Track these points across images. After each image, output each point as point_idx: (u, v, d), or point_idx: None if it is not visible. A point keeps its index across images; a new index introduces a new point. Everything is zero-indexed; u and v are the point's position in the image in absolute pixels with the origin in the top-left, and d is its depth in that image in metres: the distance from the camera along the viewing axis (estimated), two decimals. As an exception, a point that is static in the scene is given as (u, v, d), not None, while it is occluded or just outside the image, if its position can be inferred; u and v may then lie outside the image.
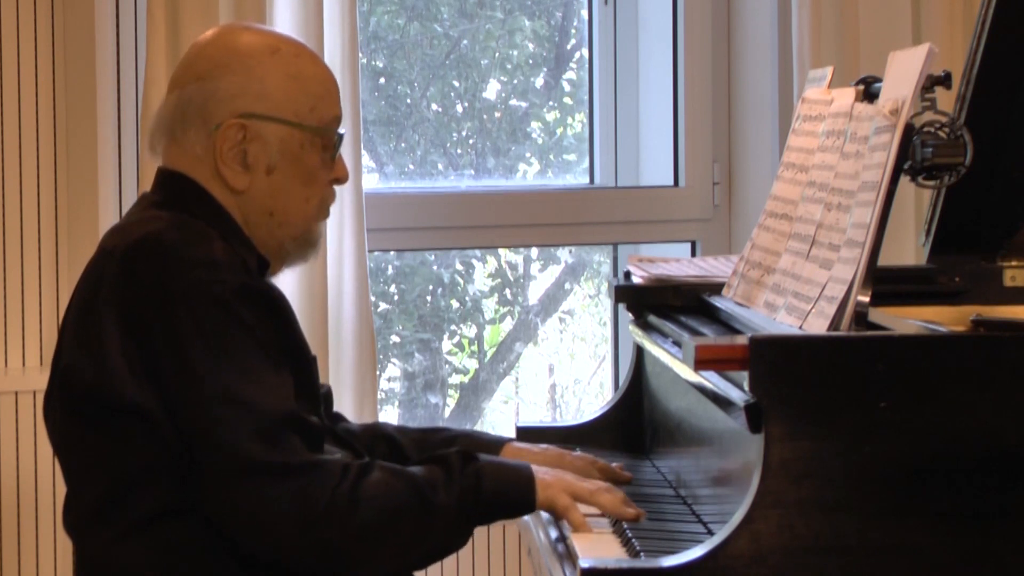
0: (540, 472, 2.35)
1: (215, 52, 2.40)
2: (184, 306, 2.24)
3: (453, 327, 4.28)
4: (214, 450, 2.22)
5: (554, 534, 2.41)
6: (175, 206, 2.37)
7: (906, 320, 2.38)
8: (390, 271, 4.19)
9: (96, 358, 2.27)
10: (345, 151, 2.57)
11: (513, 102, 4.26)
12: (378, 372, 3.72)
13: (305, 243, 2.45)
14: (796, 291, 2.32)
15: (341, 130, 2.45)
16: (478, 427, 4.24)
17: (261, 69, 2.38)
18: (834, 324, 2.17)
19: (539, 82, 4.26)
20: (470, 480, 2.29)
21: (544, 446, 2.61)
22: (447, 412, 4.24)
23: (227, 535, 2.27)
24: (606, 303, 4.31)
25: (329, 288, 3.57)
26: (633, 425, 2.86)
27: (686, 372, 2.38)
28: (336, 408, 2.71)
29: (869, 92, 2.41)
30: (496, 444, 2.59)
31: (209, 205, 2.38)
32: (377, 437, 2.63)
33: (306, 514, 2.21)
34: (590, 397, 4.33)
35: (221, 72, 2.38)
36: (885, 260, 2.27)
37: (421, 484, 2.27)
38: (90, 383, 2.28)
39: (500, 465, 2.35)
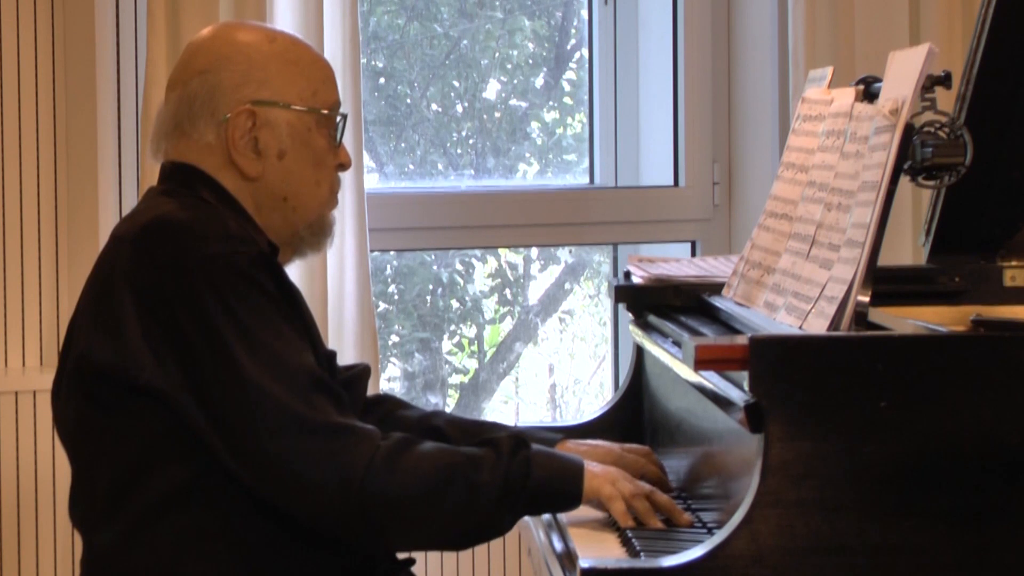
0: (590, 465, 2.36)
1: (214, 47, 2.44)
2: (203, 279, 2.26)
3: (453, 327, 4.28)
4: (253, 410, 2.24)
5: (555, 535, 2.41)
6: (183, 193, 2.40)
7: (906, 320, 2.38)
8: (389, 271, 4.19)
9: (114, 339, 2.29)
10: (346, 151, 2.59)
11: (513, 102, 4.26)
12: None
13: (319, 230, 2.49)
14: (796, 291, 2.32)
15: (343, 110, 2.51)
16: (478, 427, 4.23)
17: (261, 58, 2.43)
18: (834, 324, 2.17)
19: (539, 82, 4.26)
20: (520, 466, 2.29)
21: (598, 442, 2.60)
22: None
23: (266, 496, 2.28)
24: (606, 303, 4.31)
25: (330, 288, 3.57)
26: (633, 425, 2.86)
27: (686, 372, 2.38)
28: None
29: (869, 92, 2.41)
30: (549, 442, 2.58)
31: (217, 191, 2.41)
32: (428, 429, 2.63)
33: (346, 474, 2.22)
34: (590, 397, 4.33)
35: (223, 64, 2.42)
36: (884, 260, 2.27)
37: (465, 462, 2.28)
38: (108, 364, 2.29)
39: (552, 455, 2.36)
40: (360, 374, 2.67)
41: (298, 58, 2.46)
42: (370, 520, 2.24)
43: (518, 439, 2.33)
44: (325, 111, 2.46)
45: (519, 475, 2.28)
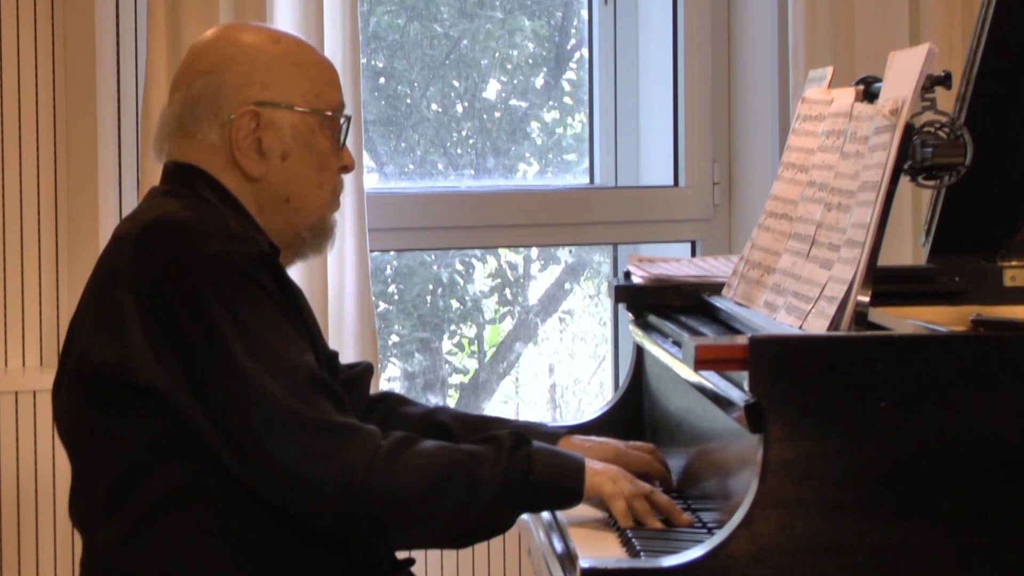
0: (591, 463, 2.36)
1: (219, 47, 2.45)
2: (204, 278, 2.26)
3: (453, 327, 4.29)
4: (251, 408, 2.24)
5: (555, 536, 2.41)
6: (185, 193, 2.40)
7: (906, 320, 2.38)
8: (389, 271, 4.19)
9: (115, 338, 2.29)
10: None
11: (513, 102, 4.26)
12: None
13: (320, 232, 2.50)
14: (796, 291, 2.32)
15: (347, 112, 2.51)
16: (478, 427, 4.23)
17: (266, 59, 2.43)
18: (834, 324, 2.17)
19: (539, 82, 4.26)
20: (521, 463, 2.29)
21: (603, 439, 2.61)
22: (447, 412, 4.23)
23: (267, 495, 2.28)
24: (606, 303, 4.31)
25: (330, 288, 3.57)
26: (633, 425, 2.86)
27: (686, 372, 2.38)
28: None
29: (869, 92, 2.41)
30: (553, 437, 2.60)
31: (220, 191, 2.41)
32: (432, 425, 2.64)
33: (347, 473, 2.22)
34: (590, 397, 4.33)
35: (227, 64, 2.42)
36: (884, 260, 2.27)
37: (466, 459, 2.27)
38: (109, 363, 2.29)
39: (553, 452, 2.35)
40: (362, 372, 2.67)
41: (302, 59, 2.46)
42: (371, 518, 2.25)
43: (519, 436, 2.33)
44: (329, 113, 2.46)
45: (520, 472, 2.28)
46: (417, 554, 3.17)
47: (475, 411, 4.24)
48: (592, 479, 2.34)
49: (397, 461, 2.24)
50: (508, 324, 4.31)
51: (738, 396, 2.10)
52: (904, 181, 2.25)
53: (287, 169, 2.44)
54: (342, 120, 2.48)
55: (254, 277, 2.29)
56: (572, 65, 4.30)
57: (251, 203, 2.44)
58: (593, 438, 2.60)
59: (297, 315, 2.35)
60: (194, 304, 2.26)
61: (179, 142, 2.45)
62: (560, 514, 2.44)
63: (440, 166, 4.19)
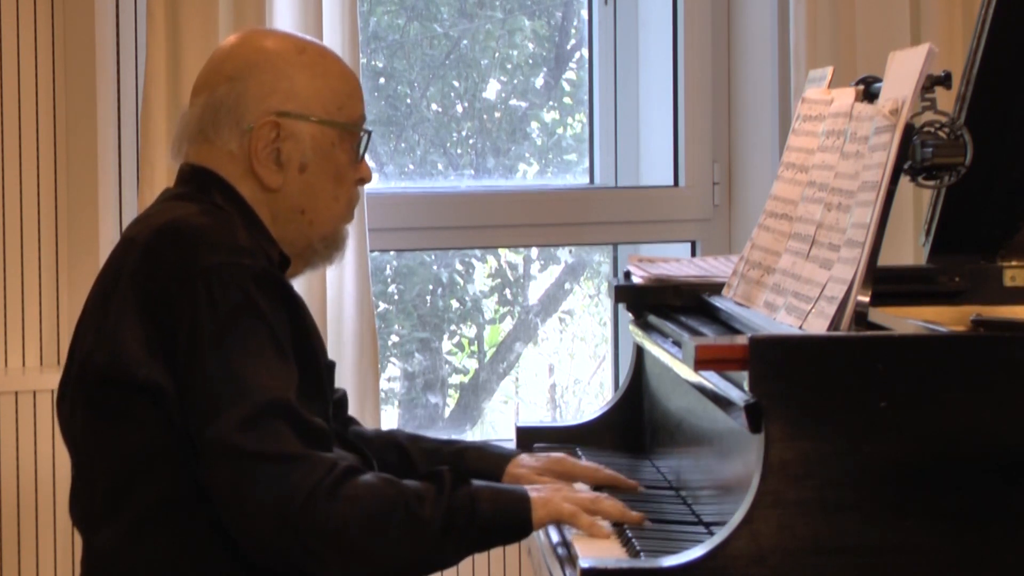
0: (535, 491, 2.33)
1: (243, 53, 2.43)
2: (203, 285, 2.25)
3: (453, 327, 4.29)
4: (205, 429, 2.23)
5: (554, 535, 2.41)
6: (199, 198, 2.40)
7: (906, 320, 2.38)
8: (389, 271, 4.19)
9: (112, 340, 2.29)
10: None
11: (513, 102, 4.26)
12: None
13: (332, 243, 2.48)
14: (796, 291, 2.32)
15: (368, 127, 2.49)
16: (478, 427, 4.24)
17: (290, 68, 2.42)
18: (834, 324, 2.17)
19: (539, 82, 4.27)
20: (464, 501, 2.27)
21: (547, 455, 2.60)
22: (447, 412, 4.24)
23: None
24: (606, 303, 4.31)
25: (329, 288, 3.58)
26: (633, 425, 2.86)
27: (686, 372, 2.38)
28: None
29: (869, 92, 2.41)
30: (505, 457, 2.59)
31: (233, 198, 2.40)
32: (388, 445, 2.63)
33: (285, 504, 2.19)
34: (590, 397, 4.33)
35: (251, 72, 2.41)
36: (884, 260, 2.27)
37: (409, 495, 2.25)
38: (109, 364, 2.29)
39: (494, 488, 2.33)
40: (339, 401, 2.64)
41: (326, 71, 2.44)
42: (306, 549, 2.21)
43: (459, 474, 2.31)
44: (350, 125, 2.45)
45: (463, 509, 2.26)
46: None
47: (475, 411, 4.24)
48: (545, 507, 2.30)
49: (338, 492, 2.21)
50: (508, 324, 4.31)
51: (738, 396, 2.10)
52: (904, 181, 2.25)
53: (304, 181, 2.42)
54: (362, 133, 2.47)
55: (251, 294, 2.27)
56: (572, 65, 4.30)
57: (265, 212, 2.42)
58: (540, 456, 2.60)
59: (287, 336, 2.32)
60: (187, 309, 2.25)
61: (198, 146, 2.44)
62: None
63: (440, 166, 4.20)
